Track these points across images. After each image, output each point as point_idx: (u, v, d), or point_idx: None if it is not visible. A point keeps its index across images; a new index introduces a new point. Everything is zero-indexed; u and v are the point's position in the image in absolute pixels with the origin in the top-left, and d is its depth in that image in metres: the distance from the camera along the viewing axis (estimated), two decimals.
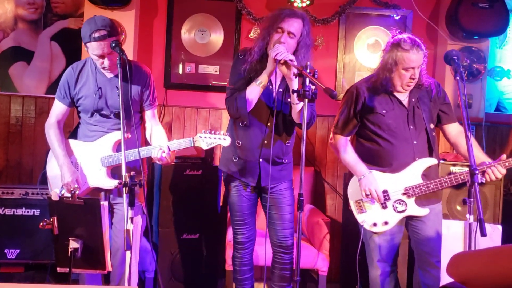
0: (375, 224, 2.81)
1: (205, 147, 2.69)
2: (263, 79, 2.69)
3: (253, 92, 2.70)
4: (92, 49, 2.64)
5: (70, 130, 3.02)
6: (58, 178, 2.82)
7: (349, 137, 2.94)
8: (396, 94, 2.84)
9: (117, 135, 2.78)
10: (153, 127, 2.92)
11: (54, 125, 2.84)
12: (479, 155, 2.74)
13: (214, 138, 2.68)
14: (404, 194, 2.79)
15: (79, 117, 2.91)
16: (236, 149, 2.87)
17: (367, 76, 2.98)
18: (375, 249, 2.86)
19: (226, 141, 2.68)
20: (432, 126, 2.86)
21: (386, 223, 2.81)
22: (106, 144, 2.79)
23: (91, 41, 2.60)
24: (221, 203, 3.72)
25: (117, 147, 2.80)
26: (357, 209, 2.86)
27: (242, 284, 3.03)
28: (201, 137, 2.69)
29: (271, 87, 2.81)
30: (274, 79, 2.76)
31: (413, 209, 2.79)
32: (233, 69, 2.86)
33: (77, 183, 2.72)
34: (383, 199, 2.78)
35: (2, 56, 3.94)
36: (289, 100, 2.77)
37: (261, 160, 2.84)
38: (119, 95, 2.74)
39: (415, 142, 2.81)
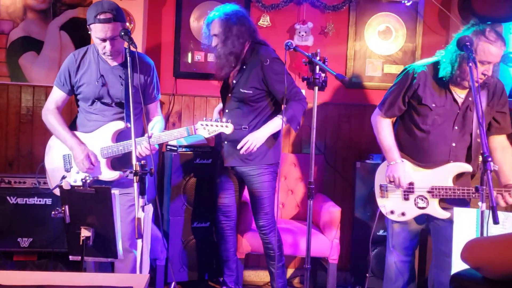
0: (392, 212, 2.79)
1: (206, 135, 2.67)
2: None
3: None
4: (95, 31, 2.60)
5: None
6: (57, 170, 2.81)
7: (390, 120, 2.85)
8: (454, 89, 2.67)
9: (116, 125, 2.75)
10: (154, 118, 2.92)
11: (53, 111, 2.81)
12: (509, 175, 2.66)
13: (216, 126, 2.65)
14: (429, 192, 2.73)
15: (78, 106, 2.87)
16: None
17: (431, 60, 2.77)
18: (393, 236, 2.86)
19: (228, 128, 2.67)
20: (479, 131, 2.60)
21: (403, 214, 2.78)
22: (106, 134, 2.75)
23: (95, 22, 2.57)
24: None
25: (116, 137, 2.77)
26: (380, 193, 2.84)
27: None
28: (202, 125, 2.66)
29: (230, 80, 3.16)
30: (232, 73, 3.13)
31: (434, 210, 2.74)
32: None
33: (89, 159, 2.70)
34: (405, 187, 2.74)
35: (12, 46, 3.95)
36: (243, 91, 3.04)
37: (225, 142, 3.16)
38: (122, 84, 2.73)
39: (453, 144, 2.70)
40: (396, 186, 2.74)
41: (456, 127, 2.70)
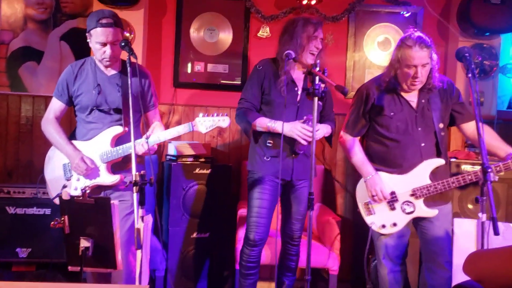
0: (383, 226, 2.80)
1: (204, 131, 2.71)
2: (277, 126, 2.86)
3: (261, 126, 2.94)
4: (96, 36, 2.66)
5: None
6: (56, 180, 2.83)
7: (358, 138, 2.94)
8: (404, 94, 2.81)
9: (115, 130, 2.78)
10: (153, 124, 2.93)
11: (52, 120, 2.86)
12: (504, 147, 2.74)
13: (213, 121, 2.70)
14: (412, 195, 2.77)
15: (76, 116, 2.90)
16: (268, 149, 2.98)
17: (377, 75, 2.96)
18: (382, 248, 2.86)
19: (225, 121, 2.71)
20: (441, 126, 2.82)
21: (394, 224, 2.79)
22: (104, 139, 2.78)
23: (97, 27, 2.63)
24: (230, 202, 3.71)
25: (115, 142, 2.79)
26: (365, 212, 2.85)
27: (245, 276, 3.10)
28: (199, 121, 2.71)
29: (296, 88, 2.98)
30: (297, 81, 2.98)
31: (422, 210, 2.77)
32: (249, 81, 3.04)
33: (84, 162, 2.71)
34: (389, 198, 2.77)
35: (12, 56, 3.96)
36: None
37: (293, 155, 2.97)
38: (119, 91, 2.77)
39: (422, 144, 2.79)
40: (379, 199, 2.76)
41: (419, 128, 2.79)
